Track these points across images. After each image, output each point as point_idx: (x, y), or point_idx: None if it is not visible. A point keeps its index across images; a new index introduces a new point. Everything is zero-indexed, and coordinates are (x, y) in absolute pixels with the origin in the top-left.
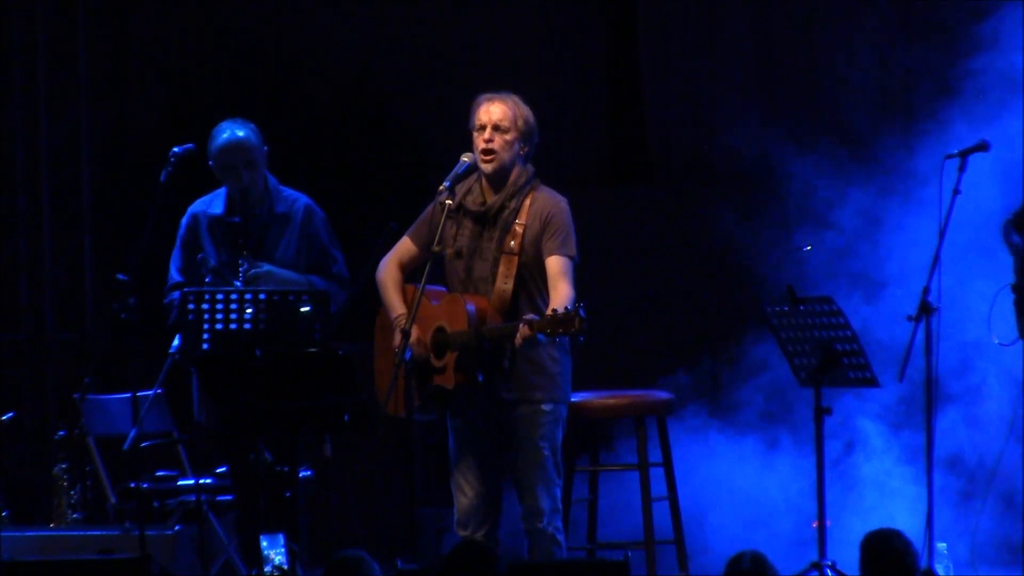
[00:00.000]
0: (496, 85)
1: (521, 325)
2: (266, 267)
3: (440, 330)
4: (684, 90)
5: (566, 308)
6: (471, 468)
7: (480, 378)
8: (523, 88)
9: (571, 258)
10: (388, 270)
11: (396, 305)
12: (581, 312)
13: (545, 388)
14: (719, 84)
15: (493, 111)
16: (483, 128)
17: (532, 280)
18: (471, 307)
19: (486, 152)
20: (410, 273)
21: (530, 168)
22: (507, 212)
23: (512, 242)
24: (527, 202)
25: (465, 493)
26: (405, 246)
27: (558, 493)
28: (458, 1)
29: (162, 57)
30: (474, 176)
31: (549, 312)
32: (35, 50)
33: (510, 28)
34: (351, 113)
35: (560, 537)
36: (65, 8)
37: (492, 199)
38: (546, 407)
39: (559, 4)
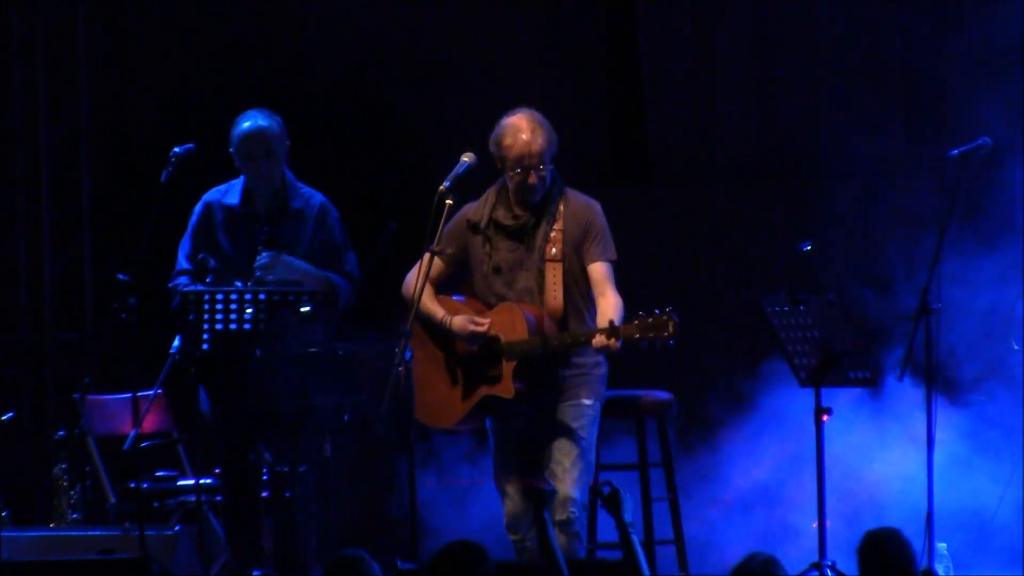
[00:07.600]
0: (496, 85)
1: (599, 334)
2: (285, 256)
3: (494, 339)
4: (684, 90)
5: (656, 312)
6: (513, 472)
7: (524, 386)
8: (523, 88)
9: (612, 262)
10: (418, 288)
11: (438, 310)
12: (675, 316)
13: (587, 387)
14: (719, 84)
15: (534, 152)
16: (527, 169)
17: (576, 286)
18: (531, 316)
19: (531, 189)
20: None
21: (553, 170)
22: (543, 221)
23: (553, 249)
24: (561, 207)
25: (511, 496)
26: (435, 267)
27: (587, 490)
28: (458, 1)
29: (162, 57)
30: (495, 193)
31: (609, 319)
32: (35, 50)
33: (510, 28)
34: (350, 113)
35: (583, 535)
36: (65, 8)
37: (525, 212)
38: (587, 401)
39: (559, 4)
